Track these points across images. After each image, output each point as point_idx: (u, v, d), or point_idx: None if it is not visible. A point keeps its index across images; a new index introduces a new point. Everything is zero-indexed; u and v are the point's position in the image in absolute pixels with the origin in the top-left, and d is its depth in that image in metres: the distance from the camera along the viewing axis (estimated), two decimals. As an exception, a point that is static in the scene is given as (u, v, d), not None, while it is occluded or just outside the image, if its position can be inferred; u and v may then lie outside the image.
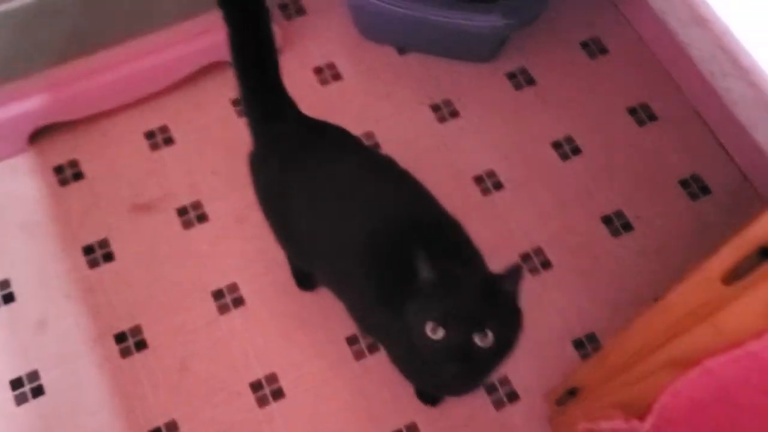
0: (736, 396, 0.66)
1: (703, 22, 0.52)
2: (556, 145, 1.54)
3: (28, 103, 1.40)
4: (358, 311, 1.13)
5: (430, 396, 1.33)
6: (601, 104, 1.59)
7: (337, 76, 1.59)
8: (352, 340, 1.36)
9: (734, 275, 0.62)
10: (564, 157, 1.53)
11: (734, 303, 0.61)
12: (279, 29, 1.54)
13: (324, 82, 1.59)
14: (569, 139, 1.55)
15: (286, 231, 1.17)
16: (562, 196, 1.50)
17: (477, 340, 0.82)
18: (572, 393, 1.07)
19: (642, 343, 0.84)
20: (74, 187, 1.47)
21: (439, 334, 0.83)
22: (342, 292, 1.14)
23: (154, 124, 1.53)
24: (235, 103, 1.55)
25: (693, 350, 0.69)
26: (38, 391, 1.31)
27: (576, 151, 1.54)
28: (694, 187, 1.51)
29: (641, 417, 0.81)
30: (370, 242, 1.02)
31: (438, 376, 0.95)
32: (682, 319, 0.73)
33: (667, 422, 0.78)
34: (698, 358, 0.68)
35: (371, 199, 1.06)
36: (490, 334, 0.82)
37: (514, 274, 0.85)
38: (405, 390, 1.33)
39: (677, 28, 0.54)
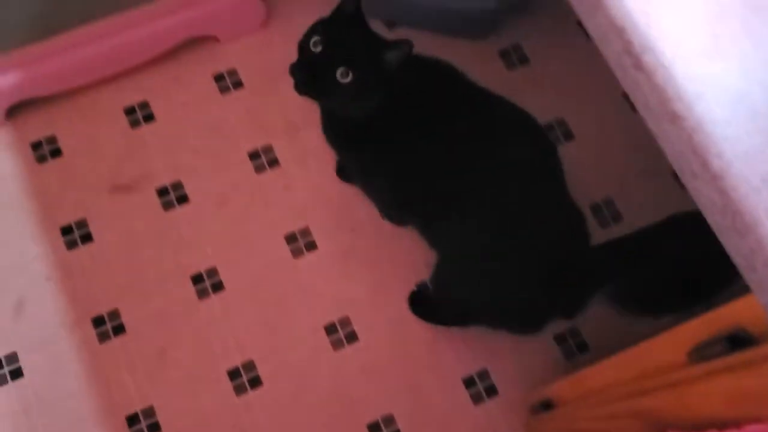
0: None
1: (675, 119, 0.48)
2: (548, 128, 1.50)
3: (4, 80, 1.35)
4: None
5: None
6: (596, 87, 1.53)
7: (323, 52, 1.53)
8: (330, 329, 1.36)
9: (700, 353, 0.60)
10: (556, 142, 1.49)
11: (699, 384, 0.59)
12: (263, 3, 1.48)
13: (310, 57, 1.53)
14: (561, 123, 1.51)
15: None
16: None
17: (339, 73, 0.96)
18: (547, 406, 1.06)
19: (614, 379, 0.83)
20: (52, 164, 1.44)
21: (317, 49, 0.97)
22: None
23: (134, 100, 1.48)
24: (217, 78, 1.50)
25: (660, 411, 0.68)
26: (17, 374, 1.31)
27: (568, 135, 1.50)
28: (688, 176, 1.47)
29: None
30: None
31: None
32: (651, 372, 0.72)
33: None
34: (664, 420, 0.67)
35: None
36: (350, 76, 0.96)
37: (401, 46, 0.97)
38: (384, 381, 1.34)
39: (646, 117, 0.50)
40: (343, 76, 0.97)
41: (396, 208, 1.32)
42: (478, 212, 1.08)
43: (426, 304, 1.37)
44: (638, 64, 0.50)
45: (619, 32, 0.51)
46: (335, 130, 1.17)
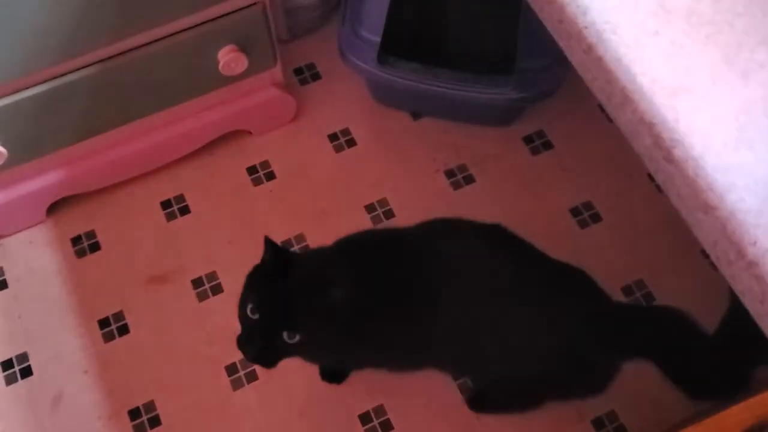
0: None
1: (708, 209, 0.50)
2: (575, 212, 1.52)
3: (45, 179, 1.41)
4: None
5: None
6: (620, 168, 1.56)
7: (351, 143, 1.58)
8: (365, 418, 1.35)
9: (747, 438, 0.60)
10: (583, 224, 1.51)
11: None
12: (293, 95, 1.54)
13: (339, 148, 1.58)
14: (588, 206, 1.53)
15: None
16: (582, 267, 1.46)
17: (285, 336, 0.90)
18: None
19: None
20: (91, 258, 1.48)
21: (255, 316, 0.91)
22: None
23: (170, 194, 1.53)
24: (250, 170, 1.55)
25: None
26: (53, 470, 1.31)
27: (595, 218, 1.51)
28: (717, 255, 1.47)
29: None
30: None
31: None
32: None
33: None
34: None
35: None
36: (298, 336, 0.90)
37: (341, 283, 0.93)
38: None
39: (679, 207, 0.52)
40: (290, 338, 0.90)
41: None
42: (490, 323, 1.08)
43: (488, 398, 1.35)
44: (669, 157, 0.52)
45: (649, 127, 0.53)
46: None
